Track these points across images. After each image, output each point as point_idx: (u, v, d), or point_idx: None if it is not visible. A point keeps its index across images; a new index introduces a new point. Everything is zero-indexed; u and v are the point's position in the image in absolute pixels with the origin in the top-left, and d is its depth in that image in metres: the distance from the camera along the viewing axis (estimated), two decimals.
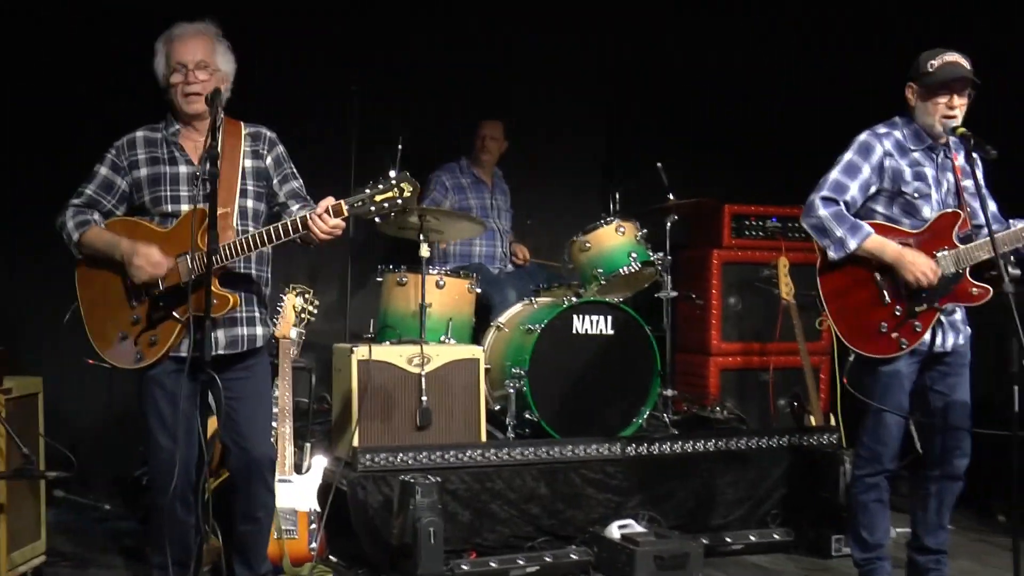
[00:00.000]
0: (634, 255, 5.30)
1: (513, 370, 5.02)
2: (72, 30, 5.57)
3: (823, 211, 3.93)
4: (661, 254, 5.43)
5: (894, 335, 3.92)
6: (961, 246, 3.90)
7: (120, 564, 4.57)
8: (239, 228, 3.58)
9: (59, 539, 4.73)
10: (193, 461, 3.50)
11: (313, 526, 4.35)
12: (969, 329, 4.07)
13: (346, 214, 3.42)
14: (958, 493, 4.09)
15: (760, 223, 6.29)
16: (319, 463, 4.48)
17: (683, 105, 6.87)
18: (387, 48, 6.24)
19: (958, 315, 4.03)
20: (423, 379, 4.76)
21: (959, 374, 4.05)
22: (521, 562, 4.47)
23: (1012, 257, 3.86)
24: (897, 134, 4.01)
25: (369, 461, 4.50)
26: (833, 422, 5.56)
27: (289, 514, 4.31)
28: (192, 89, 3.53)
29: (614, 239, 5.33)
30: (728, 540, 4.91)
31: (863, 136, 4.03)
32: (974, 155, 3.89)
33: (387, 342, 4.94)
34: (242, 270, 3.64)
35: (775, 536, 5.01)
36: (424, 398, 4.75)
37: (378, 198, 3.40)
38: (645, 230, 5.42)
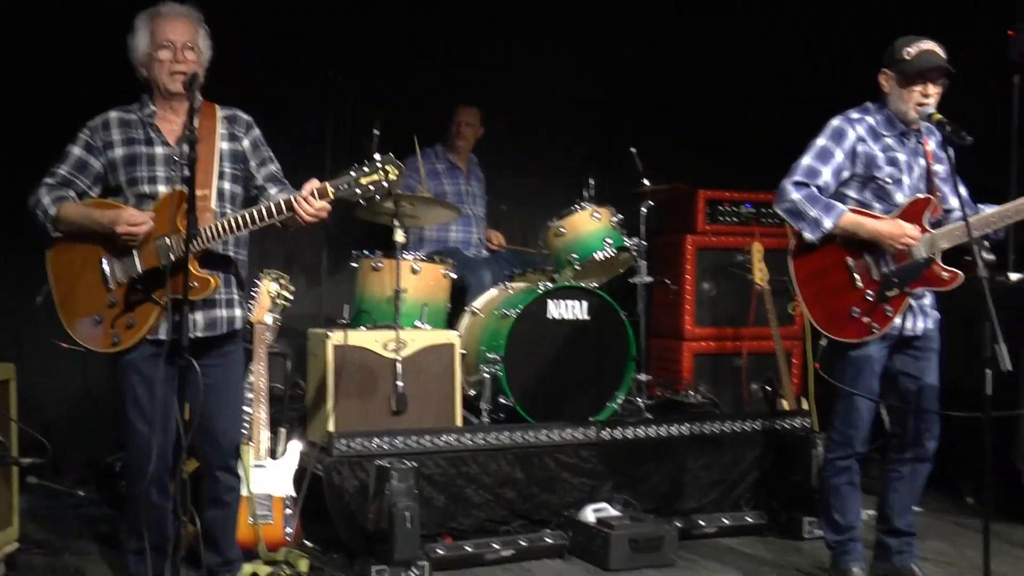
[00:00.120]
0: (609, 240, 5.32)
1: (488, 355, 5.03)
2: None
3: (795, 194, 3.95)
4: (636, 239, 5.44)
5: (865, 320, 3.96)
6: (932, 231, 3.94)
7: (94, 550, 4.55)
8: (217, 210, 3.57)
9: (32, 526, 4.70)
10: (170, 446, 3.50)
11: (288, 511, 4.35)
12: (937, 313, 4.11)
13: (332, 196, 3.43)
14: (927, 475, 4.14)
15: (734, 208, 6.34)
16: (294, 448, 4.48)
17: (657, 91, 6.88)
18: (364, 34, 6.21)
19: (927, 299, 4.07)
20: (399, 364, 4.76)
21: (929, 358, 4.09)
22: (496, 546, 4.48)
23: (986, 242, 3.91)
24: (870, 119, 4.04)
25: (345, 446, 4.50)
26: (805, 406, 5.61)
27: (264, 499, 4.31)
28: (180, 68, 3.51)
29: (589, 224, 5.35)
30: (702, 523, 4.94)
31: (835, 121, 4.05)
32: (950, 141, 3.90)
33: (362, 327, 4.93)
34: (221, 252, 3.63)
35: (748, 519, 5.04)
36: (399, 383, 4.75)
37: (364, 180, 3.41)
38: (620, 215, 5.44)
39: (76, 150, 3.60)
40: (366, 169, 3.42)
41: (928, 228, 3.95)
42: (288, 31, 6.02)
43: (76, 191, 3.59)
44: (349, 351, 4.68)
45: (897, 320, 3.96)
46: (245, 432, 4.29)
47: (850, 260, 3.98)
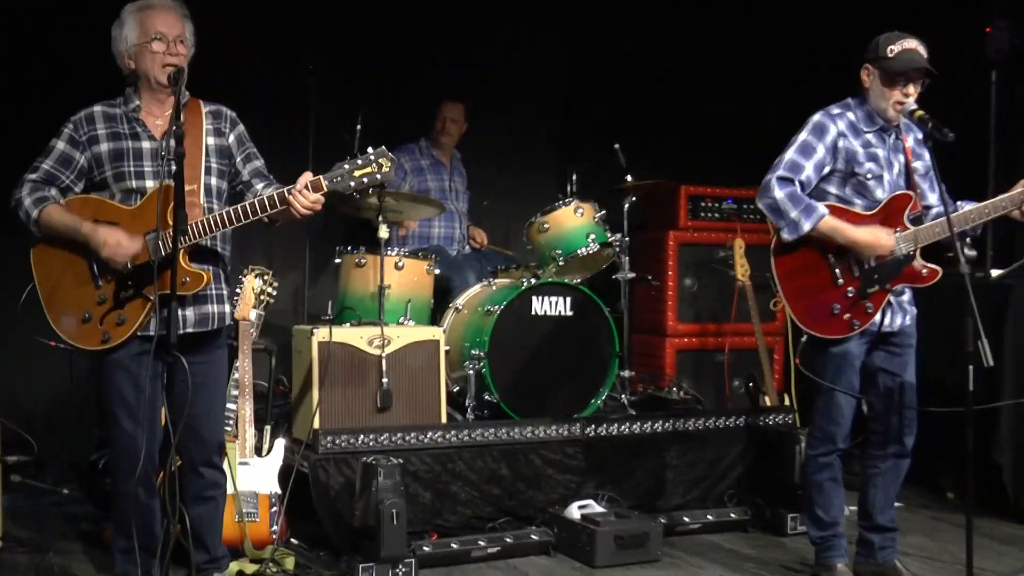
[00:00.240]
0: (592, 236, 5.33)
1: (472, 352, 5.03)
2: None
3: (778, 192, 3.97)
4: (619, 235, 5.44)
5: (846, 316, 3.98)
6: (913, 227, 3.97)
7: (78, 549, 4.52)
8: (205, 206, 3.56)
9: (15, 524, 4.67)
10: (157, 444, 3.49)
11: (274, 509, 4.34)
12: (915, 309, 4.14)
13: (326, 189, 3.44)
14: (906, 470, 4.17)
15: (716, 204, 6.35)
16: (280, 445, 4.47)
17: (640, 87, 6.90)
18: (345, 28, 6.19)
19: (906, 296, 4.10)
20: (383, 361, 4.76)
21: (907, 354, 4.12)
22: (482, 543, 4.49)
23: (968, 239, 3.94)
24: (850, 115, 4.06)
25: (330, 443, 4.50)
26: (788, 402, 5.63)
27: (250, 497, 4.30)
28: (172, 60, 3.50)
29: (573, 220, 5.36)
30: (686, 519, 4.95)
31: (817, 117, 4.07)
32: (932, 137, 3.90)
33: (347, 324, 4.93)
34: (209, 246, 3.62)
35: (732, 515, 5.06)
36: (384, 380, 4.75)
37: (357, 173, 3.43)
38: (603, 211, 5.44)
39: (60, 144, 3.57)
40: (360, 162, 3.44)
41: (908, 224, 3.98)
42: (269, 26, 5.99)
43: (59, 187, 3.56)
44: (334, 348, 4.68)
45: (877, 316, 3.99)
46: (229, 429, 4.29)
47: (831, 257, 4.01)
